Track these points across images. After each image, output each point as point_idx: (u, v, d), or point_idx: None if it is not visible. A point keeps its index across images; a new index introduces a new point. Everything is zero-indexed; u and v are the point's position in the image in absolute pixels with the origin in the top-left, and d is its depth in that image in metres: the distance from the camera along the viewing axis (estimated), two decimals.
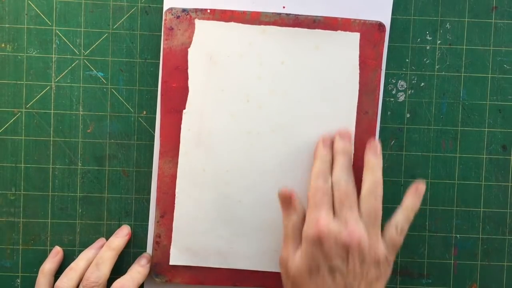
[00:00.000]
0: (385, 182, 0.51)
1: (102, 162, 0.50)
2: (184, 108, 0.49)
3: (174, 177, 0.49)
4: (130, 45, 0.50)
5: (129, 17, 0.50)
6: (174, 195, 0.49)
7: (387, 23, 0.50)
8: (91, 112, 0.50)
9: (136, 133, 0.50)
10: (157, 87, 0.50)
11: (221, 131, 0.49)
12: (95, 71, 0.50)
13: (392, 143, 0.51)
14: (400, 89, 0.51)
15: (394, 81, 0.51)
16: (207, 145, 0.49)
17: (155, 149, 0.50)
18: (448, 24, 0.51)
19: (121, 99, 0.50)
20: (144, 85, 0.50)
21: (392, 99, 0.51)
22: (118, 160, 0.50)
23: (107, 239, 0.50)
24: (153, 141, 0.50)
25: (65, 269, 0.48)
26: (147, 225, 0.51)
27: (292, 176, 0.49)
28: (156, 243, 0.50)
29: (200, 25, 0.48)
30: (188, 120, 0.49)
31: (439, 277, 0.51)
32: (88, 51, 0.50)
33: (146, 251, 0.51)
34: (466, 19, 0.51)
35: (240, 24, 0.48)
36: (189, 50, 0.48)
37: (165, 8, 0.49)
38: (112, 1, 0.50)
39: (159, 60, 0.50)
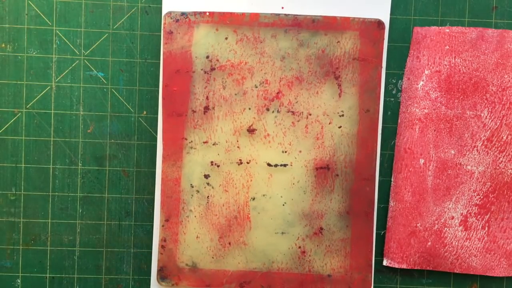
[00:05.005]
0: (385, 182, 0.51)
1: (102, 162, 0.50)
2: (186, 111, 0.49)
3: (177, 180, 0.49)
4: (130, 45, 0.50)
5: (129, 17, 0.50)
6: (178, 198, 0.49)
7: (386, 20, 0.50)
8: (91, 112, 0.50)
9: (136, 133, 0.50)
10: (157, 87, 0.50)
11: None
12: (95, 71, 0.50)
13: (392, 143, 0.51)
14: (400, 89, 0.51)
15: (394, 81, 0.51)
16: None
17: (157, 152, 0.50)
18: (448, 24, 0.51)
19: (121, 99, 0.50)
20: (144, 85, 0.50)
21: (392, 99, 0.51)
22: (118, 160, 0.50)
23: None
24: (154, 141, 0.50)
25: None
26: (147, 225, 0.51)
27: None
28: (162, 247, 0.49)
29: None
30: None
31: (439, 277, 0.51)
32: (88, 51, 0.50)
33: (149, 252, 0.51)
34: (466, 19, 0.51)
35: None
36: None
37: (163, 12, 0.49)
38: (112, 1, 0.50)
39: (159, 60, 0.50)
